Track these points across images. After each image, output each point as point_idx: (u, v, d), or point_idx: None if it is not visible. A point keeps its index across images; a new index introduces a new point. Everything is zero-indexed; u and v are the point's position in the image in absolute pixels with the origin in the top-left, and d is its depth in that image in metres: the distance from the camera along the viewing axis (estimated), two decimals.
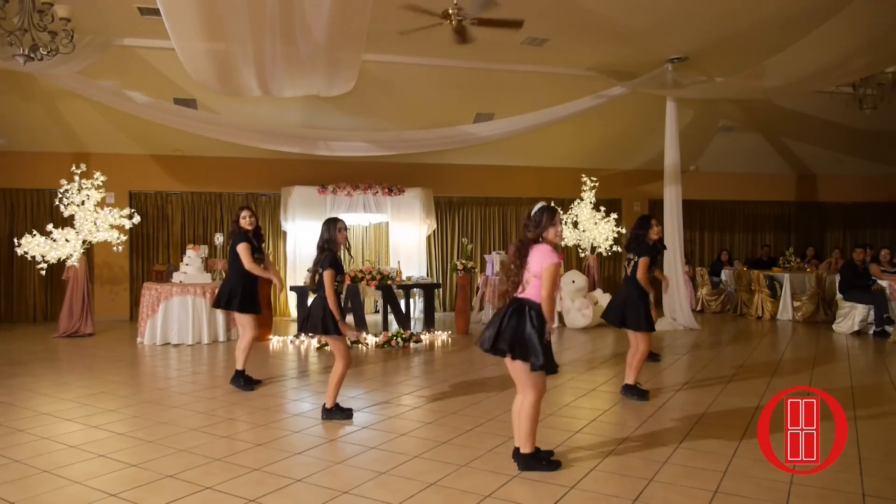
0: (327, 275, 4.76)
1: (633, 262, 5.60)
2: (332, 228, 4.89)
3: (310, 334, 5.20)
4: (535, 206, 3.93)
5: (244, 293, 5.92)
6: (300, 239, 10.76)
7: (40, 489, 3.55)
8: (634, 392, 5.50)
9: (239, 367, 5.91)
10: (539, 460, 3.83)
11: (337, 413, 4.93)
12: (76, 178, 8.78)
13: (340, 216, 10.76)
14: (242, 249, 5.88)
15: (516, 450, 3.87)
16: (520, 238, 3.94)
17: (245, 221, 6.01)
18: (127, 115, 8.99)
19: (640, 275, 5.51)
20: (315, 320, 4.79)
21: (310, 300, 5.14)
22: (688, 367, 6.94)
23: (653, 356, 7.14)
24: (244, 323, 5.98)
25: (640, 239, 5.63)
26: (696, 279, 11.94)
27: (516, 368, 3.76)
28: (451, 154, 11.35)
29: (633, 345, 5.63)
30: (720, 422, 4.84)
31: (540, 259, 3.74)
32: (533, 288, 3.74)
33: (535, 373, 3.70)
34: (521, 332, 3.69)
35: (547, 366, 3.71)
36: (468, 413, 5.10)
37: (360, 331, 8.49)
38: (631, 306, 5.52)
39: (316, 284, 4.89)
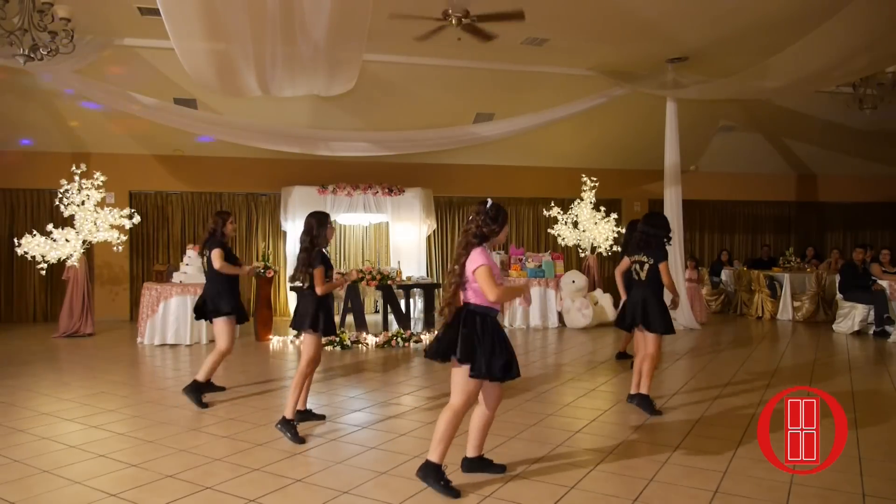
0: (318, 272, 4.63)
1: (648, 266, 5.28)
2: (324, 224, 4.73)
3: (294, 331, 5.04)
4: (481, 203, 3.69)
5: (233, 298, 5.55)
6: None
7: (40, 489, 3.56)
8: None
9: (200, 377, 5.42)
10: (438, 477, 3.53)
11: (289, 427, 4.53)
12: (76, 178, 8.78)
13: (341, 216, 10.90)
14: (216, 255, 5.44)
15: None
16: (475, 234, 3.64)
17: (231, 228, 5.67)
18: (127, 114, 8.99)
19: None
20: (301, 317, 4.68)
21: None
22: (688, 368, 6.94)
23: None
24: (220, 331, 5.48)
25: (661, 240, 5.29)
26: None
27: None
28: (451, 154, 11.35)
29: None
30: (720, 422, 4.84)
31: (470, 263, 3.58)
32: (474, 291, 3.60)
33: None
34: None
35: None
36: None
37: (360, 331, 8.50)
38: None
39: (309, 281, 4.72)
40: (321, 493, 3.50)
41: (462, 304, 3.61)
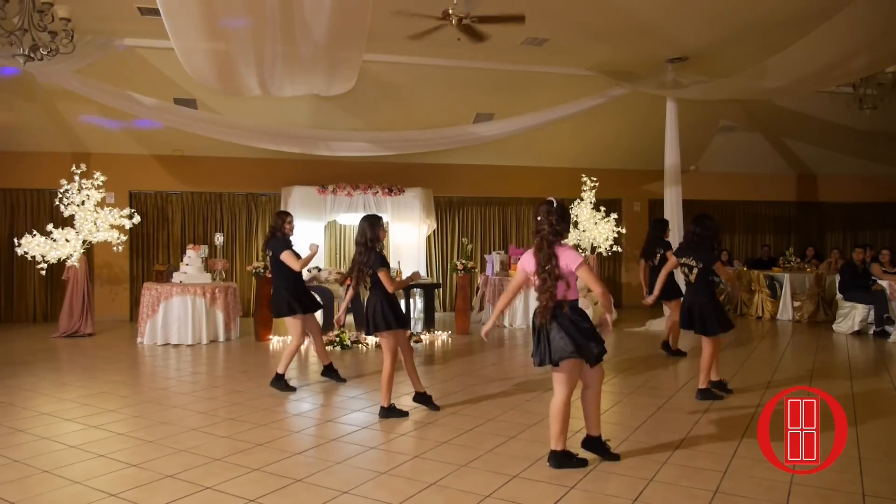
0: (384, 274, 4.90)
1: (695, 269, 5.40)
2: (377, 226, 5.01)
3: (371, 334, 5.23)
4: (548, 203, 3.81)
5: (296, 296, 5.95)
6: (300, 239, 10.69)
7: (40, 489, 3.56)
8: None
9: (280, 370, 5.89)
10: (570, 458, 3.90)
11: (394, 412, 4.98)
12: (76, 178, 8.78)
13: (341, 216, 10.90)
14: (288, 257, 5.91)
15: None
16: (545, 240, 3.76)
17: (290, 227, 6.10)
18: (127, 115, 8.99)
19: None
20: (374, 319, 4.91)
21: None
22: (688, 368, 6.94)
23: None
24: (292, 327, 5.98)
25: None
26: None
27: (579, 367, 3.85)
28: (451, 154, 11.34)
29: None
30: (720, 422, 4.85)
31: (568, 261, 3.73)
32: (561, 289, 3.75)
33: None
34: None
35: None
36: (468, 413, 5.10)
37: (360, 331, 8.49)
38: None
39: (370, 283, 4.99)
40: (321, 493, 3.50)
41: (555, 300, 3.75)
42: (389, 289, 4.92)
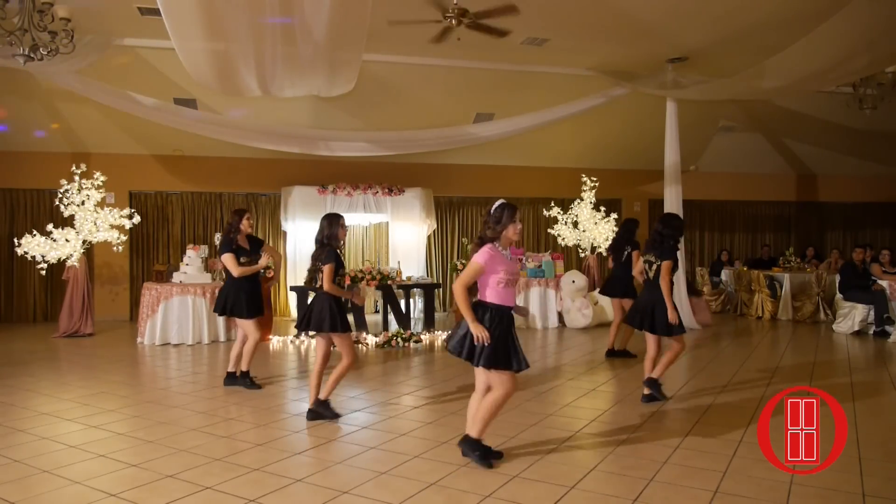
0: (328, 269, 4.79)
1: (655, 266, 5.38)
2: (335, 224, 4.93)
3: (311, 333, 5.16)
4: (494, 203, 4.02)
5: (245, 297, 5.88)
6: (300, 239, 10.75)
7: (40, 489, 3.56)
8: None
9: (244, 368, 5.93)
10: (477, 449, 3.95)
11: (327, 410, 4.95)
12: (76, 178, 8.78)
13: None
14: (228, 260, 5.79)
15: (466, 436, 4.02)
16: (479, 236, 4.02)
17: (248, 224, 5.96)
18: (127, 114, 8.99)
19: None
20: (320, 317, 4.81)
21: (309, 298, 5.16)
22: (688, 368, 6.94)
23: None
24: (246, 327, 5.94)
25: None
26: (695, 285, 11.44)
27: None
28: (451, 154, 11.35)
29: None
30: (720, 422, 4.85)
31: (475, 256, 3.88)
32: (482, 288, 3.92)
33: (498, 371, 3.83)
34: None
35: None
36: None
37: (360, 331, 8.49)
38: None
39: (315, 281, 4.93)
40: (321, 493, 3.50)
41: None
42: (325, 285, 4.79)
